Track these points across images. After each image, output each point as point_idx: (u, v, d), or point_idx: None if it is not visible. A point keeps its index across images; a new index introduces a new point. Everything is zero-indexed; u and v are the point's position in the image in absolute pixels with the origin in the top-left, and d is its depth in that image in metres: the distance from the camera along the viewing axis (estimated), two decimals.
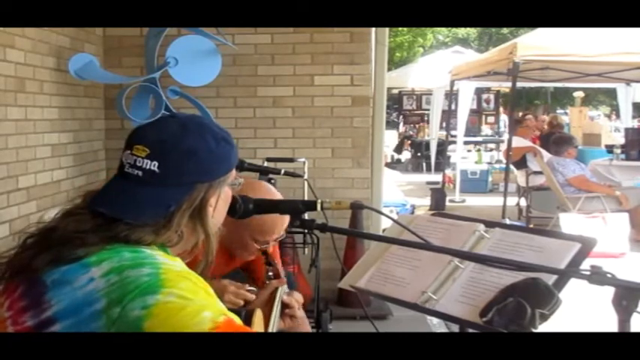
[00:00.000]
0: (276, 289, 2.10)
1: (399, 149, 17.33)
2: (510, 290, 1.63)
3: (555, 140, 8.07)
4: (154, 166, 1.35)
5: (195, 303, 1.20)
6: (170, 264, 1.29)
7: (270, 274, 2.20)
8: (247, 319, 1.44)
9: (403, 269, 1.99)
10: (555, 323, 1.60)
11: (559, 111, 24.37)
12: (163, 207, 1.35)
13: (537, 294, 1.57)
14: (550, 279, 1.63)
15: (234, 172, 1.50)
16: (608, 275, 1.34)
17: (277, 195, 2.36)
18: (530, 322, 1.55)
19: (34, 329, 1.25)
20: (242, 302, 2.17)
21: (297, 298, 2.13)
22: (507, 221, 6.58)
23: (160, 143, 1.37)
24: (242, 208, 1.75)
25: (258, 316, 1.49)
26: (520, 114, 11.25)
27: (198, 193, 1.38)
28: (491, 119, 17.35)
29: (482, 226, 1.98)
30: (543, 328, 1.54)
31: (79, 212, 1.37)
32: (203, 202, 1.39)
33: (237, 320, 1.24)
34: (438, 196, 9.92)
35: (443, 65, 12.25)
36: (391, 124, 18.56)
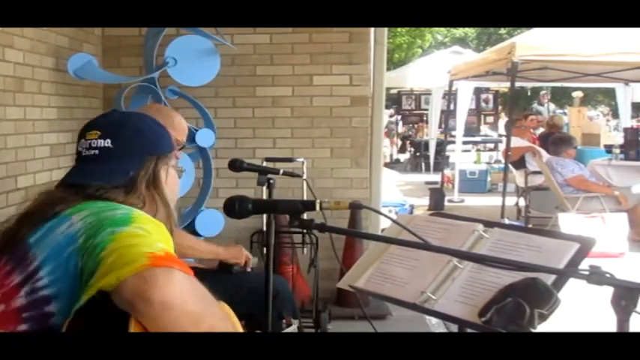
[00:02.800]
0: None
1: (402, 149, 17.35)
2: (509, 290, 1.63)
3: (554, 140, 8.07)
4: (107, 143, 1.56)
5: (154, 237, 1.32)
6: (142, 212, 1.44)
7: None
8: None
9: (402, 269, 1.99)
10: (554, 323, 1.60)
11: (558, 111, 24.36)
12: (123, 174, 1.53)
13: (536, 294, 1.57)
14: (549, 279, 1.63)
15: (174, 157, 1.71)
16: (607, 275, 1.34)
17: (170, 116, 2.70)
18: (529, 322, 1.55)
19: (21, 283, 1.33)
20: None
21: None
22: (506, 221, 6.58)
23: (109, 125, 1.61)
24: (240, 209, 1.76)
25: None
26: (525, 116, 11.23)
27: (149, 164, 1.58)
28: (490, 119, 17.35)
29: (481, 226, 1.98)
30: (542, 328, 1.54)
31: (49, 190, 1.54)
32: (155, 172, 1.59)
33: (181, 261, 1.32)
34: (437, 196, 9.92)
35: (442, 65, 12.24)
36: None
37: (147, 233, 1.32)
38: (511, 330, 1.56)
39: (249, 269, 3.20)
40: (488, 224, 1.99)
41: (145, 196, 1.56)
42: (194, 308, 1.23)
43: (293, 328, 2.80)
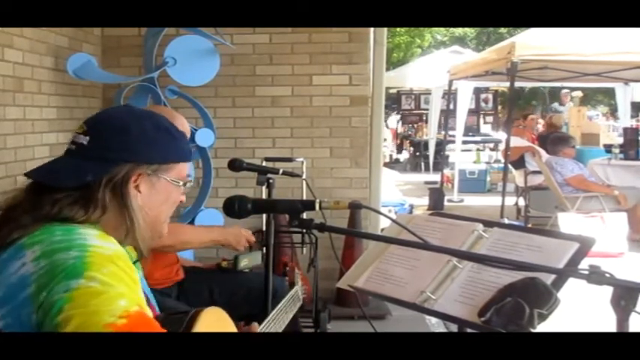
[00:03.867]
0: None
1: (399, 148, 17.34)
2: (509, 290, 1.63)
3: (551, 140, 8.09)
4: (85, 140, 1.42)
5: (115, 290, 1.21)
6: (99, 245, 1.30)
7: None
8: (191, 320, 1.42)
9: (402, 269, 1.99)
10: (554, 323, 1.60)
11: (549, 112, 24.35)
12: (78, 177, 1.38)
13: (536, 294, 1.57)
14: (548, 278, 1.63)
15: (181, 169, 1.53)
16: (607, 275, 1.34)
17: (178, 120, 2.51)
18: (528, 321, 1.55)
19: None
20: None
21: None
22: (506, 221, 6.58)
23: (96, 121, 1.47)
24: (240, 208, 1.76)
25: (209, 315, 1.46)
26: (525, 115, 11.22)
27: (119, 170, 1.41)
28: (489, 119, 17.35)
29: (480, 226, 1.98)
30: (542, 328, 1.54)
31: (15, 189, 1.43)
32: (124, 180, 1.42)
33: (149, 314, 1.25)
34: (437, 195, 9.92)
35: (441, 65, 12.24)
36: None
37: (105, 288, 1.20)
38: (511, 330, 1.56)
39: (243, 267, 3.18)
40: (488, 224, 2.00)
41: (110, 206, 1.40)
42: None
43: (297, 289, 2.80)
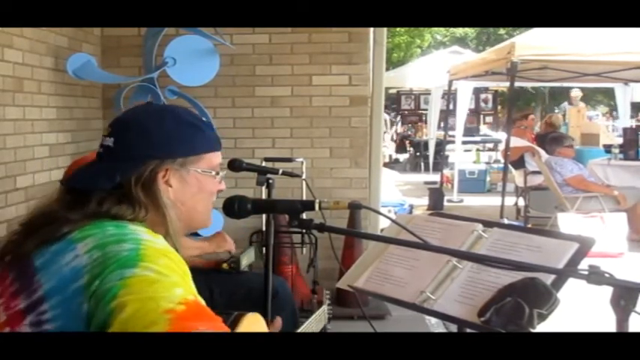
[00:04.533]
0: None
1: (400, 149, 17.34)
2: (509, 290, 1.63)
3: (548, 140, 8.11)
4: (110, 142, 1.46)
5: (170, 279, 1.22)
6: (152, 240, 1.32)
7: None
8: (234, 322, 1.42)
9: (401, 269, 1.98)
10: (554, 323, 1.60)
11: (557, 111, 24.37)
12: (110, 178, 1.41)
13: (535, 294, 1.57)
14: (548, 279, 1.63)
15: (211, 159, 1.53)
16: (607, 275, 1.34)
17: None
18: (528, 321, 1.55)
19: (26, 311, 1.27)
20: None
21: None
22: (505, 221, 6.58)
23: (119, 122, 1.51)
24: (240, 208, 1.76)
25: (250, 320, 1.47)
26: (525, 115, 11.21)
27: (146, 167, 1.43)
28: (489, 119, 17.36)
29: (480, 226, 1.98)
30: (542, 328, 1.54)
31: (57, 197, 1.45)
32: (152, 177, 1.43)
33: (203, 304, 1.25)
34: (436, 195, 9.92)
35: (441, 65, 12.24)
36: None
37: (160, 277, 1.21)
38: (510, 330, 1.56)
39: (244, 267, 3.20)
40: (488, 224, 1.99)
41: (146, 204, 1.42)
42: None
43: (324, 309, 2.81)
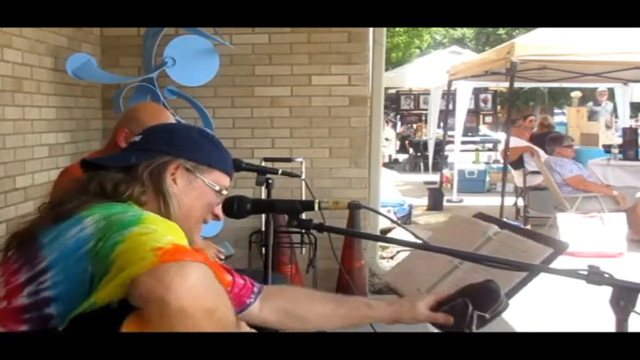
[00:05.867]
0: None
1: (401, 149, 17.35)
2: (466, 290, 1.64)
3: (547, 140, 8.12)
4: (137, 138, 1.61)
5: (163, 232, 1.30)
6: (152, 213, 1.43)
7: None
8: None
9: (421, 266, 2.00)
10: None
11: (556, 111, 24.39)
12: (125, 160, 1.55)
13: (484, 297, 1.59)
14: (519, 277, 1.67)
15: (220, 177, 1.62)
16: (606, 275, 1.34)
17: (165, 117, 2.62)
18: (468, 323, 1.56)
19: (26, 282, 1.33)
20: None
21: None
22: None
23: (151, 127, 1.68)
24: (239, 208, 1.76)
25: None
26: (525, 116, 11.19)
27: (160, 158, 1.54)
28: (488, 119, 17.36)
29: (494, 229, 1.98)
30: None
31: (74, 180, 1.56)
32: (162, 167, 1.54)
33: (191, 251, 1.31)
34: (436, 195, 9.92)
35: (440, 65, 12.24)
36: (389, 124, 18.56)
37: (155, 230, 1.30)
38: (452, 329, 1.58)
39: (222, 257, 3.20)
40: (502, 226, 2.00)
41: (147, 186, 1.51)
42: (208, 303, 1.18)
43: None
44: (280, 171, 3.24)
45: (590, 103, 14.41)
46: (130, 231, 1.29)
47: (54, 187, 2.73)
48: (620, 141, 9.15)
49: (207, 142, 1.62)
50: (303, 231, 3.42)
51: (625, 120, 11.74)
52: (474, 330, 1.55)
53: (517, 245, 1.85)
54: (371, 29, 5.11)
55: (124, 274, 1.18)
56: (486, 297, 1.58)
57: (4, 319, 1.33)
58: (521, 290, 1.69)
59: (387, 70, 12.26)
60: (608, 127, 10.60)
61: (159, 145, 1.57)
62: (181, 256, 1.22)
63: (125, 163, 1.53)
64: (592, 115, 12.57)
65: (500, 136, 14.07)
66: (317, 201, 1.72)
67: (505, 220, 7.05)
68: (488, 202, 9.86)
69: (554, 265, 1.69)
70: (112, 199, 1.45)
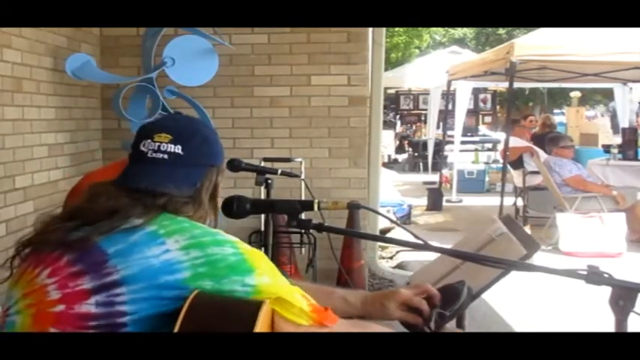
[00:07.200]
0: None
1: (399, 150, 17.34)
2: (440, 289, 1.67)
3: (547, 140, 8.13)
4: (178, 149, 1.51)
5: (281, 281, 1.41)
6: (239, 241, 1.45)
7: None
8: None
9: (438, 265, 2.01)
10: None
11: (556, 111, 24.38)
12: (191, 184, 1.52)
13: (448, 296, 1.61)
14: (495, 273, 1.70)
15: (224, 169, 1.65)
16: (605, 275, 1.34)
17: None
18: (427, 319, 1.58)
19: (93, 291, 1.32)
20: None
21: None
22: None
23: (180, 130, 1.56)
24: (238, 208, 1.75)
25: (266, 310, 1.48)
26: (525, 116, 11.16)
27: (211, 175, 1.57)
28: (488, 119, 17.36)
29: (501, 229, 1.98)
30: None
31: (104, 192, 1.47)
32: (216, 184, 1.58)
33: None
34: (435, 195, 9.92)
35: (440, 65, 12.24)
36: (388, 124, 18.55)
37: (276, 279, 1.40)
38: (414, 329, 1.60)
39: None
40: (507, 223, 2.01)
41: (206, 208, 1.54)
42: None
43: None
44: (280, 171, 3.24)
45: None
46: (253, 282, 1.36)
47: (73, 192, 2.56)
48: (619, 141, 9.16)
49: (218, 138, 1.63)
50: (303, 231, 3.42)
51: (624, 120, 11.74)
52: (432, 327, 1.57)
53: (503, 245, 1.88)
54: (370, 29, 5.11)
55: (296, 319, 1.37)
56: (449, 296, 1.62)
57: (62, 322, 1.32)
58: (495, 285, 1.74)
59: (386, 70, 12.24)
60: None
61: (204, 158, 1.56)
62: (329, 321, 1.41)
63: (192, 189, 1.52)
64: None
65: (500, 136, 14.07)
66: (316, 201, 1.72)
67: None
68: (487, 202, 9.86)
69: (554, 265, 1.70)
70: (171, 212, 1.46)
